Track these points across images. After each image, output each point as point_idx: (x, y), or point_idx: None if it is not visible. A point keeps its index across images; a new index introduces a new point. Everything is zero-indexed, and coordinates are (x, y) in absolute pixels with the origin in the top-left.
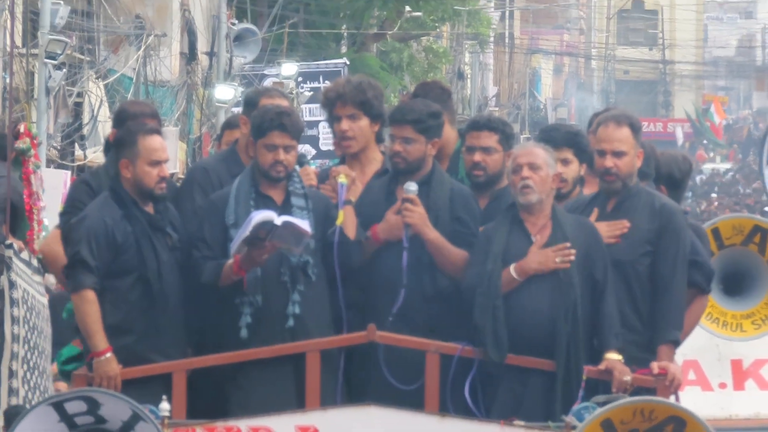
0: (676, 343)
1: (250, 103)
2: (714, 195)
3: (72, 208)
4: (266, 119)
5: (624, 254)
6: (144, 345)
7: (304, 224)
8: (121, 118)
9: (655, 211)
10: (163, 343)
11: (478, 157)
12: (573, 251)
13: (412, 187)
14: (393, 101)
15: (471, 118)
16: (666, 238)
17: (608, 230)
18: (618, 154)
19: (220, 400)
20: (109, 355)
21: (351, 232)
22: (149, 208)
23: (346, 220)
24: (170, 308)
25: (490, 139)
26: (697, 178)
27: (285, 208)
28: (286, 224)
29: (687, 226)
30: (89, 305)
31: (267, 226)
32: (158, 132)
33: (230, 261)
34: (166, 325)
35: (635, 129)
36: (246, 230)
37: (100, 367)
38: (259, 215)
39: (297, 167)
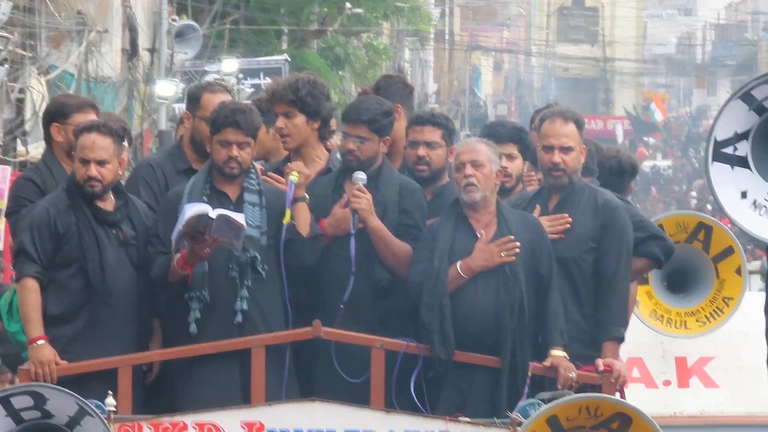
0: (621, 340)
1: (193, 99)
2: (653, 189)
3: (18, 206)
4: (221, 116)
5: (568, 251)
6: (85, 337)
7: (239, 217)
8: (62, 112)
9: (598, 208)
10: (106, 336)
11: (422, 151)
12: (517, 244)
13: (360, 175)
14: (333, 97)
15: (414, 113)
16: (609, 234)
17: (551, 225)
18: (565, 150)
19: (168, 395)
20: (41, 342)
21: (304, 228)
22: (106, 203)
23: (300, 216)
24: (114, 302)
25: (433, 134)
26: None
27: (238, 205)
28: (220, 217)
29: (629, 222)
30: (28, 293)
31: (203, 219)
32: (99, 130)
33: (177, 256)
34: (108, 319)
35: (580, 125)
36: (180, 223)
37: (33, 353)
38: (193, 208)
39: (254, 164)
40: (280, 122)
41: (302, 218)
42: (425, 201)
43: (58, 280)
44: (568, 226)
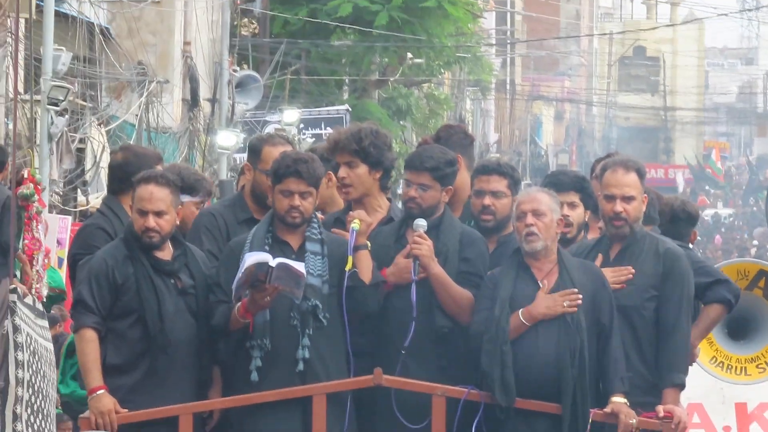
0: (682, 387)
1: (254, 151)
2: (717, 237)
3: (87, 253)
4: (283, 165)
5: (629, 299)
6: (144, 386)
7: (299, 266)
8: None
9: (659, 256)
10: (166, 385)
11: (487, 200)
12: (580, 296)
13: (421, 222)
14: (395, 147)
15: (480, 162)
16: (670, 282)
17: (613, 276)
18: (627, 199)
19: None
20: (101, 392)
21: (366, 276)
22: (165, 253)
23: (362, 263)
24: (173, 352)
25: (499, 184)
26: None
27: (300, 254)
28: (280, 265)
29: (690, 270)
30: (86, 344)
31: (263, 267)
32: (156, 181)
33: (238, 304)
34: (167, 368)
35: (641, 175)
36: (240, 272)
37: (93, 404)
38: (253, 256)
39: (317, 213)
40: (343, 172)
41: (364, 265)
42: (486, 249)
43: (117, 330)
44: (631, 277)
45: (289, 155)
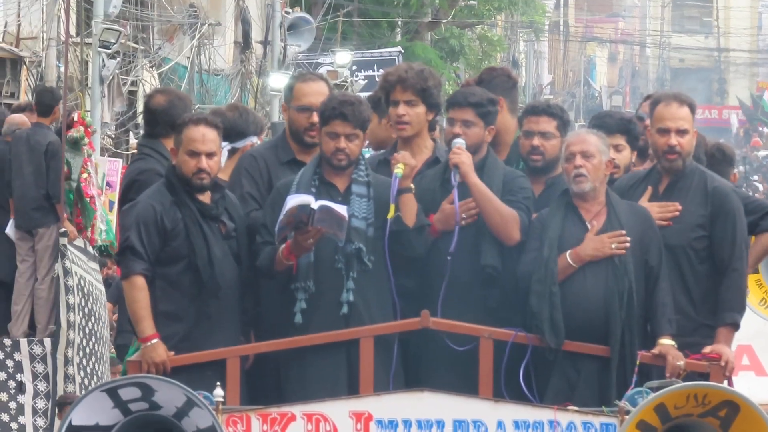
0: (736, 326)
1: (287, 90)
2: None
3: None
4: (329, 108)
5: (676, 239)
6: (196, 332)
7: (342, 209)
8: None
9: (707, 194)
10: (216, 330)
11: (536, 141)
12: (628, 238)
13: (460, 140)
14: (447, 90)
15: (529, 103)
16: (720, 221)
17: (660, 212)
18: (681, 132)
19: (276, 386)
20: (155, 341)
21: (411, 219)
22: (205, 197)
23: (406, 207)
24: (222, 296)
25: (548, 125)
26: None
27: (346, 196)
28: (322, 208)
29: (741, 207)
30: (137, 291)
31: (305, 210)
32: (206, 122)
33: (282, 246)
34: (217, 313)
35: (693, 109)
36: (282, 213)
37: (147, 353)
38: (295, 199)
39: (364, 155)
40: (402, 109)
41: (408, 209)
42: (529, 185)
43: (167, 277)
44: (677, 214)
45: (335, 97)
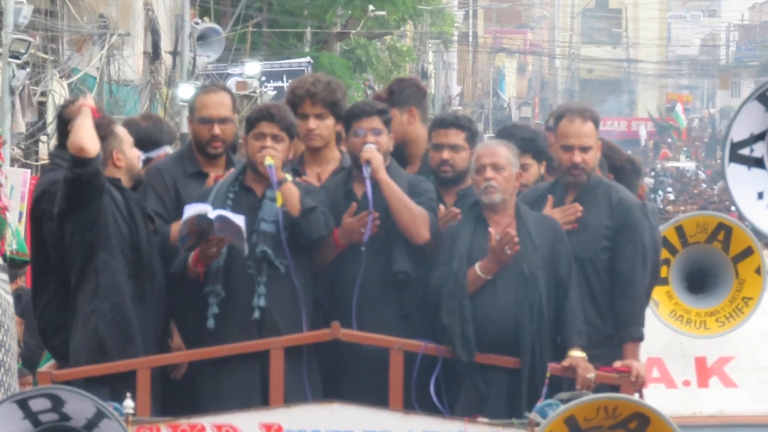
0: (640, 339)
1: (190, 104)
2: (669, 190)
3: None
4: (255, 111)
5: (583, 250)
6: (133, 309)
7: (238, 219)
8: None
9: (613, 206)
10: (148, 314)
11: (446, 154)
12: (516, 238)
13: (370, 144)
14: (356, 99)
15: (437, 115)
16: (624, 234)
17: (563, 216)
18: (585, 149)
19: (188, 393)
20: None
21: (294, 208)
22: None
23: (288, 196)
24: (156, 285)
25: (457, 137)
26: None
27: (261, 200)
28: (219, 217)
29: (645, 219)
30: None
31: (204, 219)
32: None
33: (191, 254)
34: (151, 299)
35: (597, 123)
36: (181, 223)
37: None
38: (193, 208)
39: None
40: (312, 123)
41: (289, 199)
42: (433, 188)
43: (110, 250)
44: (579, 215)
45: (263, 103)
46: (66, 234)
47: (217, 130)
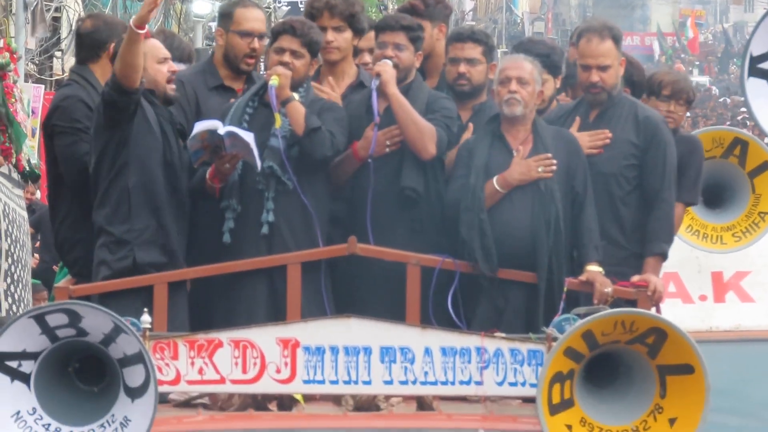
0: (664, 257)
1: (225, 15)
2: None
3: (72, 129)
4: (279, 24)
5: (607, 166)
6: (169, 228)
7: (247, 135)
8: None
9: (639, 123)
10: (182, 231)
11: (462, 68)
12: (554, 161)
13: (386, 60)
14: (372, 15)
15: (454, 30)
16: (652, 151)
17: (590, 140)
18: (603, 68)
19: (203, 308)
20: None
21: (299, 127)
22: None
23: (293, 116)
24: (186, 203)
25: (474, 51)
26: None
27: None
28: (229, 134)
29: (672, 137)
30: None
31: (215, 136)
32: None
33: (208, 169)
34: (183, 216)
35: (617, 40)
36: (190, 138)
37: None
38: (202, 123)
39: (309, 80)
40: (331, 36)
41: (294, 117)
42: (453, 106)
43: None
44: (608, 141)
45: (288, 17)
46: (96, 151)
47: (256, 44)
